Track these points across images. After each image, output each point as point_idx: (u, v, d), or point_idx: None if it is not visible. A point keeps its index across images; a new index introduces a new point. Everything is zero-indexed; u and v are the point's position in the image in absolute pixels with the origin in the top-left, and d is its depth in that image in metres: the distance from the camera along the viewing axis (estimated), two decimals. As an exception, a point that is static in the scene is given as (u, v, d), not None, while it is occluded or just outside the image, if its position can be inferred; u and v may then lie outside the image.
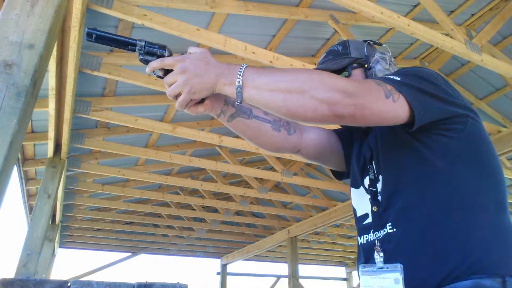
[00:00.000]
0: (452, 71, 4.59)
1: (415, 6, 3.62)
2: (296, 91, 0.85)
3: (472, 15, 3.94)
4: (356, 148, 1.17)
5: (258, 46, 2.90)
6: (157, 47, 0.94)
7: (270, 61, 2.91)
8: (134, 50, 0.93)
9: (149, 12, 2.52)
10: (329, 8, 3.36)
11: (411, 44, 4.24)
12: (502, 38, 4.05)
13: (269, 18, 3.29)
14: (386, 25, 3.02)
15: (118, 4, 2.45)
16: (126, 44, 0.93)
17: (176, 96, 0.92)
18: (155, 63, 0.91)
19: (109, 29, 3.03)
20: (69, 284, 1.05)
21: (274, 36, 3.61)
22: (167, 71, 0.93)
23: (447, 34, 3.08)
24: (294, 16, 3.27)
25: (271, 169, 5.70)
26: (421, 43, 4.17)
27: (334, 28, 3.42)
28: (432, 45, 3.71)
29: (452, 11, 3.78)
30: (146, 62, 0.93)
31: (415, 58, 4.56)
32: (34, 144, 4.38)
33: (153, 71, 0.93)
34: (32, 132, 4.08)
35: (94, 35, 0.90)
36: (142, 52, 0.93)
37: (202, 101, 0.96)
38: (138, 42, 0.93)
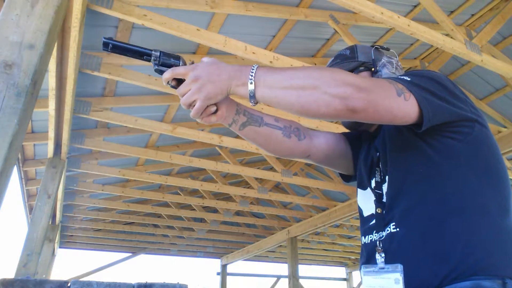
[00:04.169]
0: (452, 71, 4.59)
1: (415, 6, 3.62)
2: (309, 87, 0.85)
3: (472, 15, 3.95)
4: (364, 150, 1.19)
5: (258, 46, 2.90)
6: (171, 57, 0.94)
7: (270, 62, 2.91)
8: (149, 61, 0.93)
9: (149, 12, 2.52)
10: (329, 8, 3.36)
11: (411, 44, 4.23)
12: (502, 38, 4.06)
13: (269, 18, 3.29)
14: (386, 25, 3.01)
15: (118, 4, 2.45)
16: (141, 54, 0.93)
17: (190, 105, 0.92)
18: (167, 74, 0.91)
19: (109, 29, 3.03)
20: (69, 284, 1.05)
21: (274, 36, 3.61)
22: (179, 82, 0.93)
23: (447, 35, 3.08)
24: (294, 16, 3.27)
25: (271, 169, 5.70)
26: (421, 43, 4.17)
27: (334, 28, 3.43)
28: (432, 45, 3.72)
29: (452, 11, 3.78)
30: (161, 72, 0.93)
31: (415, 58, 4.56)
32: (34, 144, 4.38)
33: (167, 82, 0.93)
34: (32, 132, 4.08)
35: (110, 45, 0.90)
36: (157, 62, 0.93)
37: (215, 111, 0.96)
38: (153, 52, 0.93)
